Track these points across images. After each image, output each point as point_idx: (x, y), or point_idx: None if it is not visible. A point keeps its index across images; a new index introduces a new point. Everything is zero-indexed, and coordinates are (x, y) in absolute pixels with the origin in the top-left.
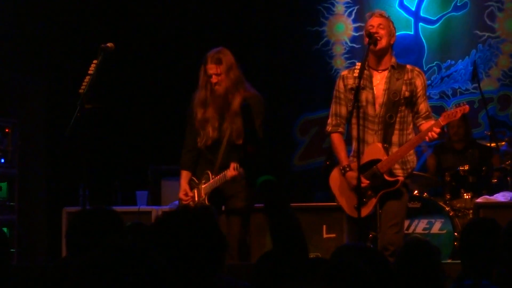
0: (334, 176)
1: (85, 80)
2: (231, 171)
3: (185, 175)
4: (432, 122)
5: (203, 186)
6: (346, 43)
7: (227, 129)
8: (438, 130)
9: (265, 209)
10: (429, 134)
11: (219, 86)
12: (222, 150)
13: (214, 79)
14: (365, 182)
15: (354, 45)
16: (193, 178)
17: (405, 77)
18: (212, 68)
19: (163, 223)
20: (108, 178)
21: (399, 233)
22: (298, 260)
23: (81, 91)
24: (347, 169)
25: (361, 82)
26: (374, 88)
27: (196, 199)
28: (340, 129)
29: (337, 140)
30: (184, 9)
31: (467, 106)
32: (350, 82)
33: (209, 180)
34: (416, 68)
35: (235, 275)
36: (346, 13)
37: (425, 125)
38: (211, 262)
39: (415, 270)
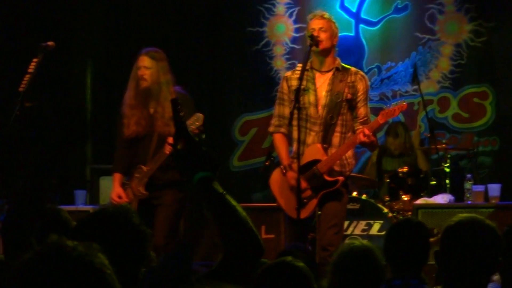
0: (275, 178)
1: (25, 79)
2: (168, 146)
3: (117, 177)
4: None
5: (136, 181)
6: (287, 43)
7: (156, 124)
8: (367, 132)
9: (208, 207)
10: (359, 135)
11: (145, 81)
12: (153, 144)
13: (142, 71)
14: (303, 184)
15: (295, 46)
16: (125, 182)
17: (348, 80)
18: (143, 61)
19: (82, 225)
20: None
21: (338, 234)
22: (254, 261)
23: (21, 89)
24: (288, 168)
25: (304, 83)
26: (317, 89)
27: (133, 196)
28: (283, 130)
29: (279, 140)
30: (126, 9)
31: (405, 104)
32: (294, 83)
33: (143, 173)
34: (360, 72)
35: None
36: (287, 14)
37: (365, 126)
38: (133, 258)
39: (356, 271)
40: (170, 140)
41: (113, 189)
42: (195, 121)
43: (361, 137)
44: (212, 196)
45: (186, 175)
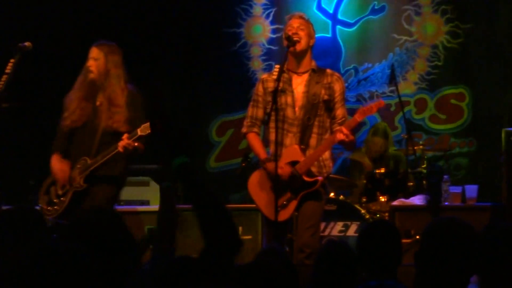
0: (253, 180)
1: (2, 79)
2: (124, 141)
3: (57, 156)
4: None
5: (77, 171)
6: (264, 45)
7: (101, 117)
8: (345, 130)
9: (188, 195)
10: (337, 134)
11: (92, 72)
12: (98, 137)
13: (90, 63)
14: (284, 185)
15: (272, 47)
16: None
17: (325, 81)
18: (92, 52)
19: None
20: (24, 177)
21: (315, 236)
22: (232, 254)
23: None
24: (266, 161)
25: (281, 85)
26: (294, 91)
27: (69, 185)
28: (255, 129)
29: (253, 138)
30: (102, 8)
31: (382, 100)
32: (270, 85)
33: (86, 165)
34: (336, 73)
35: None
36: (264, 14)
37: (343, 126)
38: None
39: (333, 272)
40: (125, 137)
41: (53, 164)
42: (145, 129)
43: (340, 136)
44: (194, 185)
45: (164, 160)
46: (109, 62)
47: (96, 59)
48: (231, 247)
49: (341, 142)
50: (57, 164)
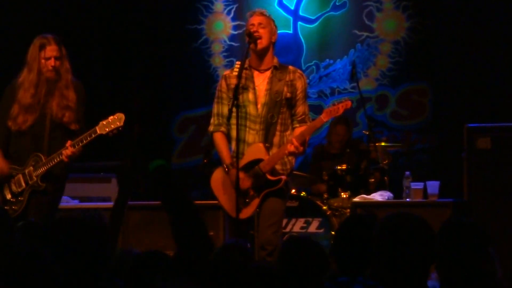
0: (216, 177)
1: None
2: (68, 150)
3: None
4: (305, 127)
5: (31, 168)
6: (225, 41)
7: (52, 107)
8: (296, 143)
9: (162, 198)
10: (288, 146)
11: (52, 71)
12: (47, 131)
13: (52, 61)
14: (247, 183)
15: (233, 43)
16: (13, 166)
17: (287, 78)
18: (54, 51)
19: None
20: None
21: (276, 233)
22: (204, 257)
23: None
24: (230, 167)
25: (243, 82)
26: (256, 88)
27: (25, 185)
28: (222, 129)
29: (219, 139)
30: (65, 4)
31: (349, 101)
32: (233, 81)
33: (41, 162)
34: (298, 70)
35: None
36: (225, 11)
37: (298, 129)
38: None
39: (298, 268)
40: (68, 144)
41: None
42: (115, 121)
43: (290, 148)
44: (168, 188)
45: (140, 163)
46: (64, 58)
47: (59, 58)
48: (203, 251)
49: (290, 153)
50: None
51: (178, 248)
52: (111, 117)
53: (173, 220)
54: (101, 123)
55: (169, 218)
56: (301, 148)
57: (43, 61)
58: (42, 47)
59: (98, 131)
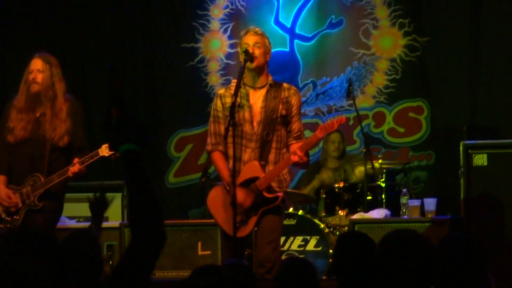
0: (213, 196)
1: None
2: (75, 167)
3: (2, 179)
4: (301, 143)
5: (30, 188)
6: (222, 59)
7: (44, 129)
8: (300, 153)
9: (126, 180)
10: (291, 156)
11: (37, 84)
12: (47, 153)
13: (34, 74)
14: (247, 202)
15: (230, 61)
16: (11, 186)
17: (282, 95)
18: (36, 64)
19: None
20: None
21: (275, 250)
22: (157, 249)
23: None
24: (232, 185)
25: (239, 100)
26: (252, 106)
27: (21, 204)
28: (220, 148)
29: (218, 158)
30: (63, 21)
31: (343, 117)
32: (228, 100)
33: (39, 182)
34: (293, 87)
35: None
36: (222, 29)
37: (294, 145)
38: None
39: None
40: (76, 161)
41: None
42: (106, 149)
43: (294, 158)
44: (135, 171)
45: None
46: (54, 75)
47: (41, 71)
48: (156, 239)
49: (295, 163)
50: (4, 190)
51: (132, 234)
52: None
53: (132, 202)
54: (103, 146)
55: (129, 199)
56: (305, 159)
57: (28, 76)
58: (28, 62)
59: (100, 154)
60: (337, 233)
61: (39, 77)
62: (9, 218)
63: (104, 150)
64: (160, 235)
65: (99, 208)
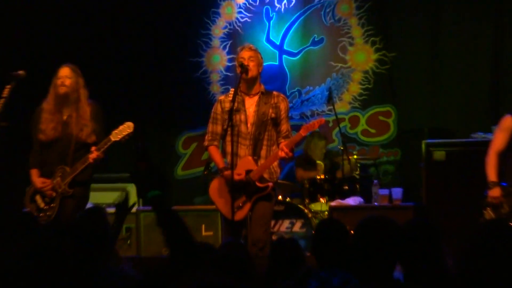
0: (213, 186)
1: (0, 102)
2: (94, 154)
3: (35, 172)
4: (287, 141)
5: (59, 179)
6: (221, 71)
7: (71, 128)
8: (286, 149)
9: (158, 222)
10: (279, 152)
11: (65, 86)
12: (72, 147)
13: (63, 79)
14: (242, 173)
15: (228, 73)
16: (44, 179)
17: (272, 101)
18: (64, 71)
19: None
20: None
21: (266, 232)
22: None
23: None
24: (224, 169)
25: (236, 105)
26: (246, 110)
27: (54, 193)
28: (215, 143)
29: (213, 151)
30: (81, 36)
31: (323, 118)
32: (227, 105)
33: (66, 173)
34: (281, 95)
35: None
36: (222, 46)
37: (283, 142)
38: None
39: (284, 262)
40: (93, 149)
41: (34, 180)
42: (126, 128)
43: (281, 154)
44: (164, 213)
45: (142, 193)
46: (79, 82)
47: (69, 77)
48: (192, 257)
49: (282, 158)
50: (39, 179)
51: (171, 251)
52: (121, 126)
53: (167, 237)
54: (113, 132)
55: (162, 232)
56: (290, 154)
57: (56, 81)
58: (57, 71)
59: (112, 139)
60: (319, 217)
61: (67, 82)
62: (47, 207)
63: (115, 136)
64: (192, 252)
65: (123, 211)
